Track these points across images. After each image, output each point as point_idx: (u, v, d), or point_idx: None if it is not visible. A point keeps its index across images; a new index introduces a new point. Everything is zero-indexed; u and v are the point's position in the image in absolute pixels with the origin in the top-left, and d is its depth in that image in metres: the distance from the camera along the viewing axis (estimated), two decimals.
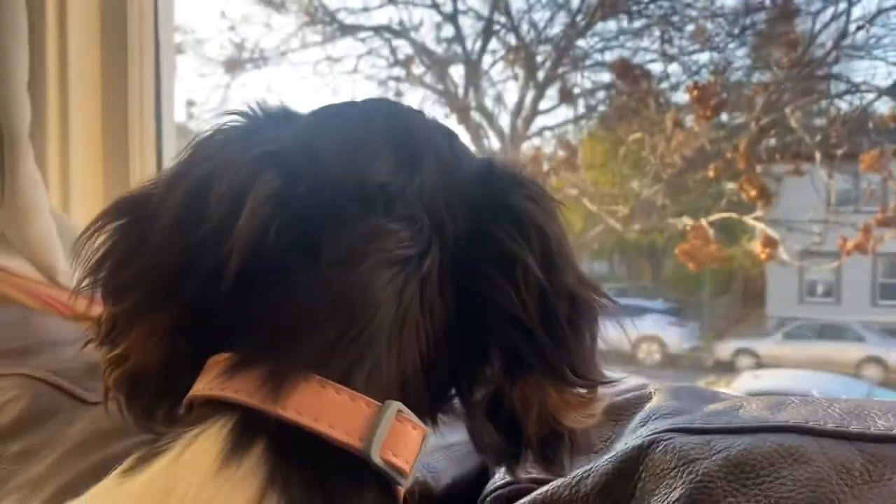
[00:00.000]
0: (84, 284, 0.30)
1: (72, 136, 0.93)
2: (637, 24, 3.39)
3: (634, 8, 3.37)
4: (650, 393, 0.40)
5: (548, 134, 3.76)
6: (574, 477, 0.35)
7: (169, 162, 0.99)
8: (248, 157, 0.28)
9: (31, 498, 0.48)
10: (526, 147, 3.64)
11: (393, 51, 3.74)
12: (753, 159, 3.06)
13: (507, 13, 3.74)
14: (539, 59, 3.66)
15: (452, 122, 3.80)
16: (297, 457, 0.26)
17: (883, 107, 3.01)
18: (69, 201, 0.95)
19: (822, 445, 0.30)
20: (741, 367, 3.50)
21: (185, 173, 0.29)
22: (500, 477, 0.40)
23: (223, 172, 0.27)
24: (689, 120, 3.19)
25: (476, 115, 3.73)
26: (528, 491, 0.37)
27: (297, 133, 0.30)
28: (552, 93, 3.62)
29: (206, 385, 0.27)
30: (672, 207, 3.33)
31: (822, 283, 3.62)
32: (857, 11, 2.87)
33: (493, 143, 3.76)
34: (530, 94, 3.60)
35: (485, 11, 3.68)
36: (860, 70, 3.07)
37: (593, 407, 0.30)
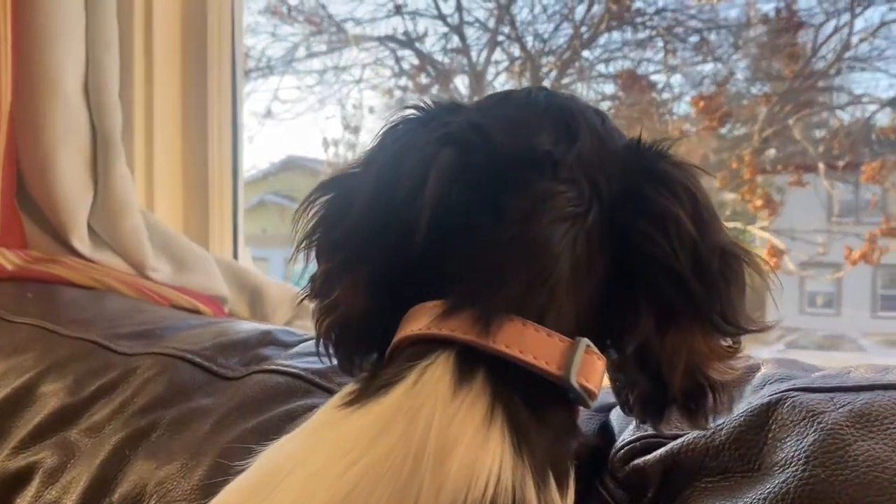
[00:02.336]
0: (302, 246, 0.35)
1: (156, 139, 0.99)
2: (641, 35, 3.42)
3: (638, 20, 3.41)
4: (760, 364, 0.46)
5: None
6: (708, 430, 0.41)
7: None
8: (429, 138, 0.32)
9: (195, 461, 0.52)
10: None
11: (398, 61, 3.78)
12: (757, 170, 3.11)
13: (513, 24, 3.77)
14: (544, 70, 3.69)
15: None
16: (510, 382, 0.30)
17: (884, 118, 3.04)
18: (153, 199, 1.00)
19: None
20: None
21: (379, 154, 0.33)
22: (628, 433, 0.46)
23: (409, 152, 0.32)
24: (693, 130, 3.23)
25: None
26: (658, 445, 0.43)
27: (467, 117, 0.34)
28: None
29: (422, 326, 0.31)
30: None
31: (823, 294, 3.64)
32: (859, 23, 2.92)
33: None
34: None
35: (490, 23, 3.70)
36: (862, 82, 3.12)
37: (737, 359, 0.33)
